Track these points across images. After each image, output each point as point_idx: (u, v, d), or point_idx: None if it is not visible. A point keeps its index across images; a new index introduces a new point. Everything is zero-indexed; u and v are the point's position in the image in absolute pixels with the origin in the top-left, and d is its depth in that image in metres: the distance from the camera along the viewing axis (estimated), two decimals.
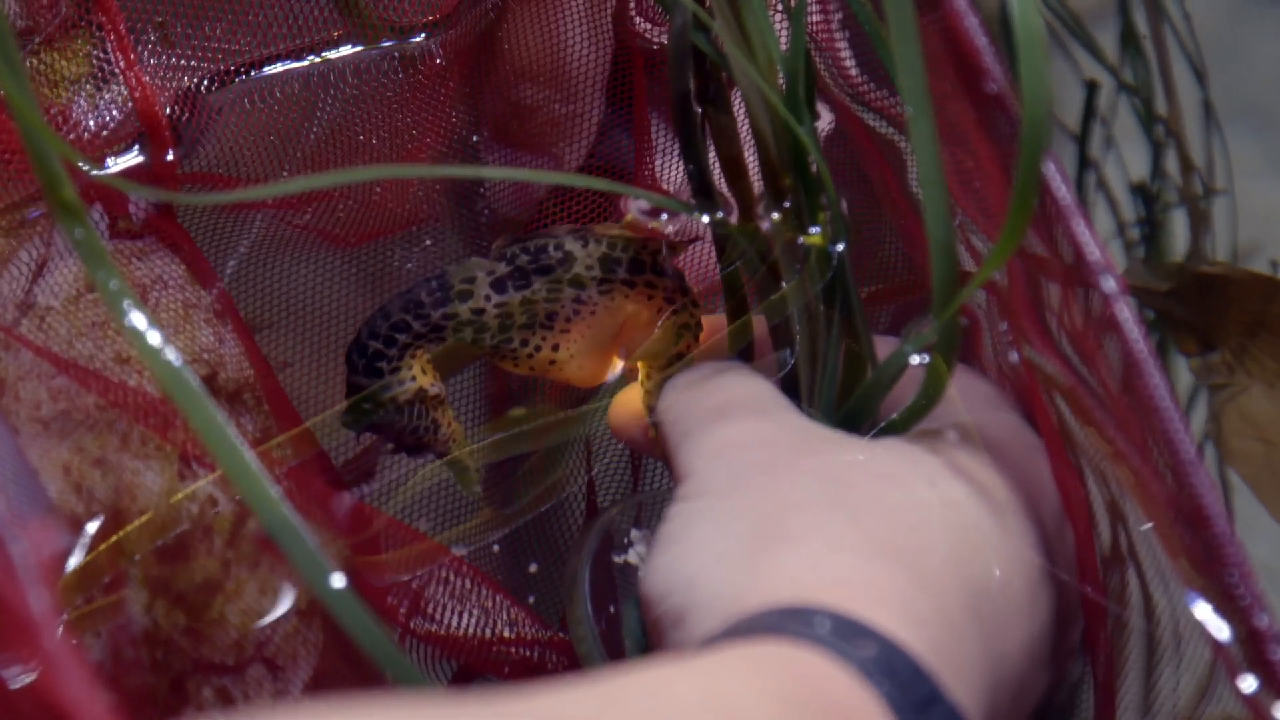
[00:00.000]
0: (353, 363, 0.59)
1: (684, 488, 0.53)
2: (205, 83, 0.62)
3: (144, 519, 0.59)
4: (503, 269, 0.58)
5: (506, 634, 0.66)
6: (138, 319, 0.44)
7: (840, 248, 0.56)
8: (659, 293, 0.60)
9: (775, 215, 0.57)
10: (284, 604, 0.61)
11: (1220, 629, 0.48)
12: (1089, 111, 1.09)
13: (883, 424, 0.55)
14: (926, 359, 0.53)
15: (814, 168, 0.55)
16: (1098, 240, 0.51)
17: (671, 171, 0.72)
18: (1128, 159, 1.11)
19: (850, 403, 0.56)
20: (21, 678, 0.39)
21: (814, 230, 0.56)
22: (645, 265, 0.59)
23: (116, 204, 0.60)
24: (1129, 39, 1.11)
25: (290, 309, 0.67)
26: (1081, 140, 1.09)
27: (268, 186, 0.64)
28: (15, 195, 0.59)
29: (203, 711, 0.59)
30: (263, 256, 0.66)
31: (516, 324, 0.59)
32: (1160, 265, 0.75)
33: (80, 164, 0.50)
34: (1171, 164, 1.09)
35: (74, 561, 0.57)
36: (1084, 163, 1.09)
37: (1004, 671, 0.49)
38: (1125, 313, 0.50)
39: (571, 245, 0.59)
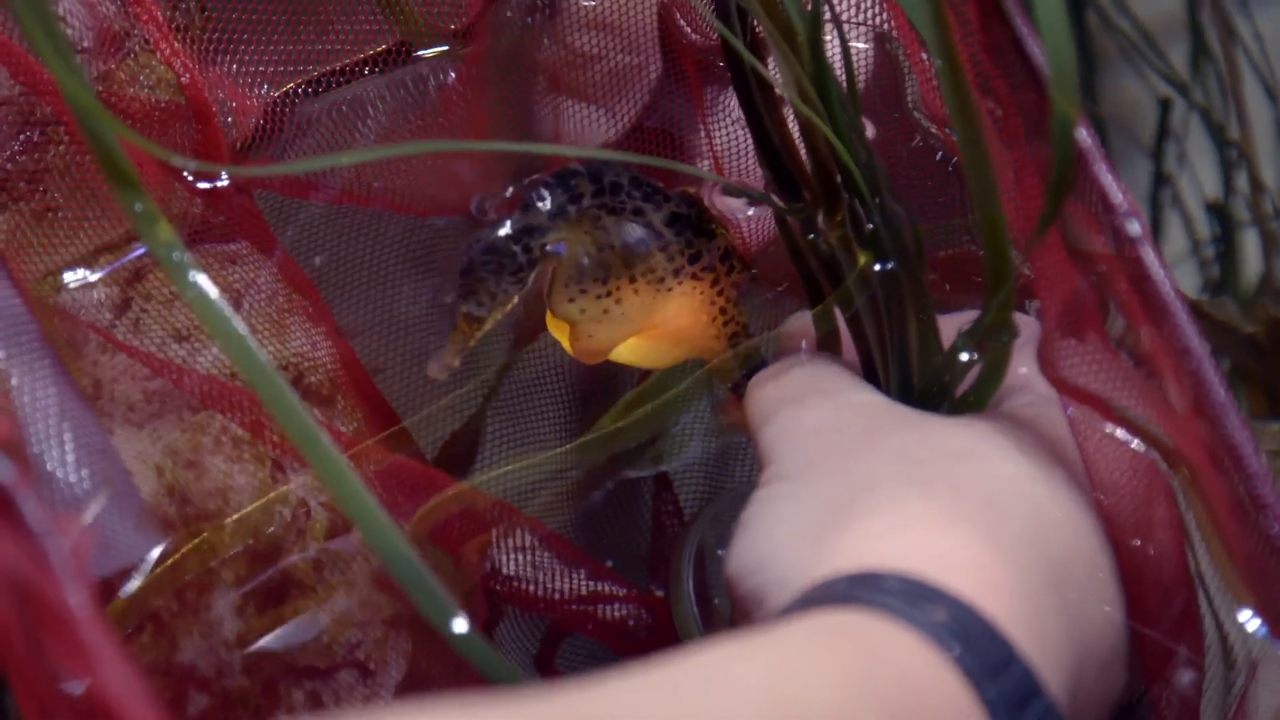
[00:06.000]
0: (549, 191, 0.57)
1: (765, 474, 0.53)
2: (286, 97, 0.63)
3: (210, 528, 0.59)
4: (680, 208, 0.58)
5: (585, 590, 0.67)
6: (205, 283, 0.44)
7: (883, 266, 0.56)
8: (722, 301, 0.60)
9: (833, 220, 0.57)
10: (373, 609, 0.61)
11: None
12: (1163, 129, 1.08)
13: (957, 402, 0.55)
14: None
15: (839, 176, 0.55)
16: (1121, 185, 0.50)
17: (732, 145, 0.72)
18: (1202, 176, 1.11)
19: (925, 384, 0.56)
20: (72, 685, 0.39)
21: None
22: (733, 265, 0.60)
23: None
24: (1200, 59, 1.11)
25: (381, 315, 0.68)
26: (1156, 157, 1.08)
27: (334, 156, 0.64)
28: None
29: (293, 714, 0.59)
30: (351, 261, 0.67)
31: (639, 255, 0.58)
32: (1250, 306, 0.74)
33: (144, 144, 0.50)
34: (1245, 182, 1.09)
35: (147, 566, 0.57)
36: (1159, 179, 1.09)
37: (1088, 645, 0.48)
38: (1151, 256, 0.49)
39: (718, 229, 0.60)
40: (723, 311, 0.60)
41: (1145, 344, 0.50)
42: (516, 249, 0.57)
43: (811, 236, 0.58)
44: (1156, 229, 1.09)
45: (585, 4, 0.67)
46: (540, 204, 0.57)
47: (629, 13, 0.67)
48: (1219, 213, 1.08)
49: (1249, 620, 0.50)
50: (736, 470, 0.73)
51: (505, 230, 0.57)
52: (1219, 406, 0.48)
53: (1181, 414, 0.50)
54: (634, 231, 0.58)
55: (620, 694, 0.39)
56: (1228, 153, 1.09)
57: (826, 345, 0.59)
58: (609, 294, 0.58)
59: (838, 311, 0.58)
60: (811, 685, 0.40)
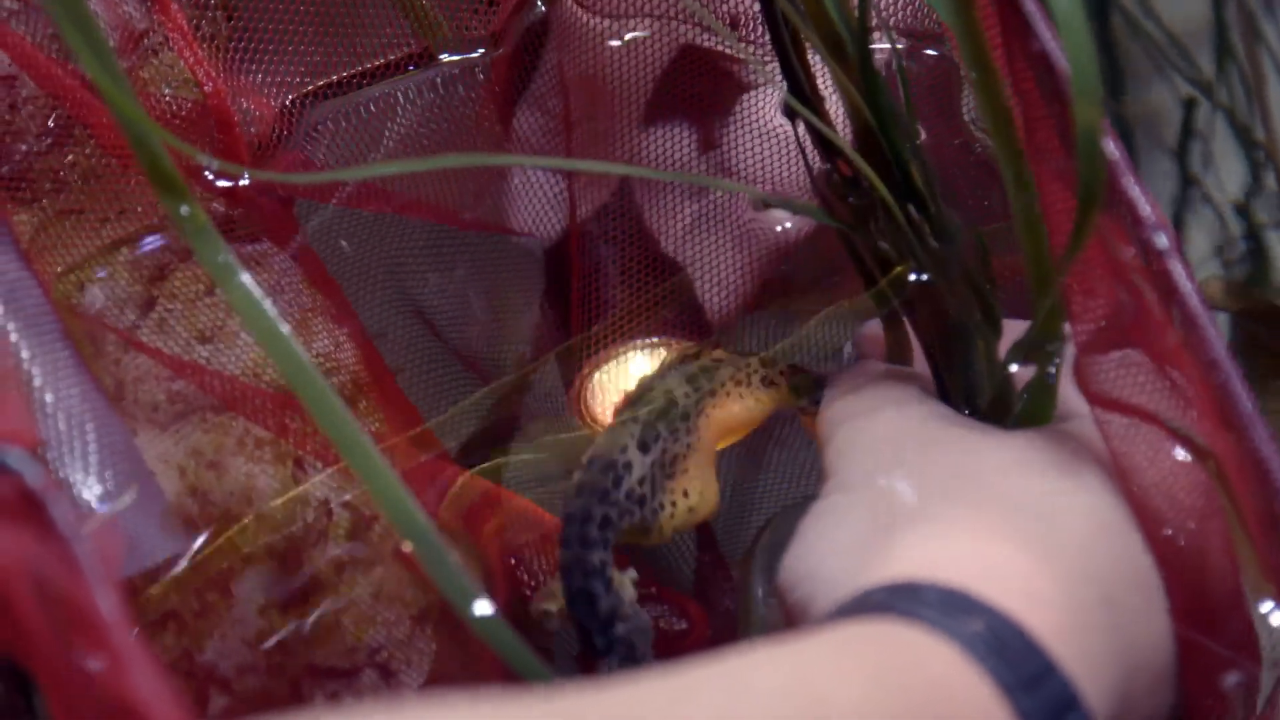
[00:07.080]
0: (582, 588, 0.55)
1: (825, 485, 0.54)
2: (299, 101, 0.63)
3: (243, 522, 0.59)
4: (636, 429, 0.57)
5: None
6: (249, 283, 0.44)
7: (918, 277, 0.56)
8: (740, 384, 0.60)
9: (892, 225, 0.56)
10: (397, 608, 0.61)
11: None
12: (1187, 129, 1.08)
13: (1019, 416, 0.55)
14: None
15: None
16: (1149, 197, 0.50)
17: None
18: (1228, 177, 1.10)
19: (992, 397, 0.56)
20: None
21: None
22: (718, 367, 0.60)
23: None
24: (1224, 59, 1.10)
25: (402, 315, 0.68)
26: (1181, 157, 1.08)
27: (360, 169, 0.64)
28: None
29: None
30: (379, 261, 0.67)
31: (659, 482, 0.57)
32: (1235, 286, 0.74)
33: (185, 150, 0.50)
34: (1273, 181, 1.08)
35: (184, 562, 0.58)
36: (1185, 180, 1.08)
37: (1135, 663, 0.48)
38: (1179, 268, 0.49)
39: (668, 383, 0.58)
40: (747, 383, 0.60)
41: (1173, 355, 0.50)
42: (594, 584, 0.55)
43: (870, 227, 0.57)
44: (1182, 230, 1.09)
45: (611, 44, 0.67)
46: (590, 545, 0.55)
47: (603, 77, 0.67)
48: (1246, 214, 1.07)
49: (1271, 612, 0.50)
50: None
51: (581, 584, 0.55)
52: (1246, 418, 0.47)
53: (1210, 425, 0.49)
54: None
55: (639, 695, 0.39)
56: (1255, 154, 1.09)
57: (897, 355, 0.59)
58: (675, 504, 0.57)
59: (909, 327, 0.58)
60: (833, 686, 0.40)
